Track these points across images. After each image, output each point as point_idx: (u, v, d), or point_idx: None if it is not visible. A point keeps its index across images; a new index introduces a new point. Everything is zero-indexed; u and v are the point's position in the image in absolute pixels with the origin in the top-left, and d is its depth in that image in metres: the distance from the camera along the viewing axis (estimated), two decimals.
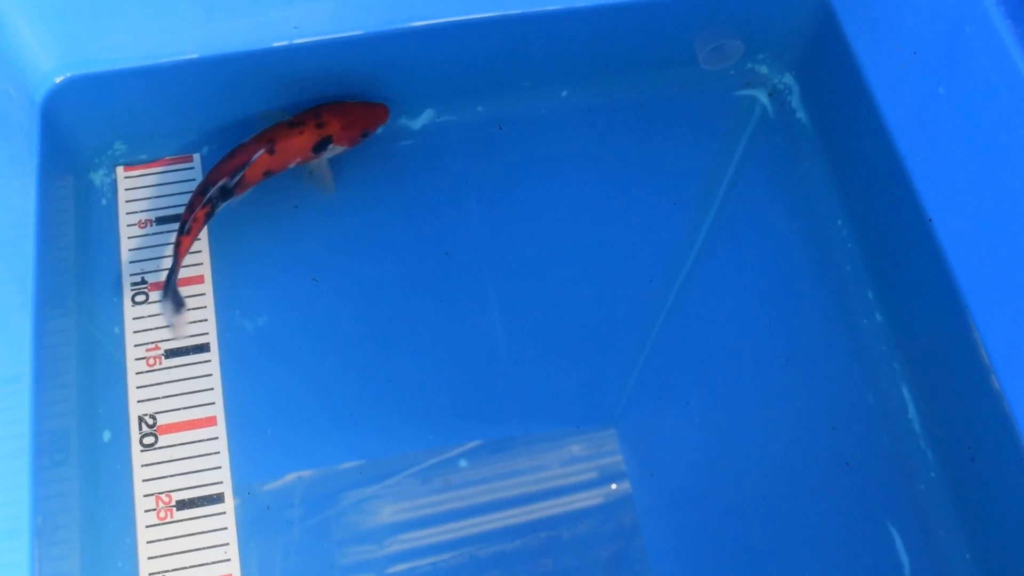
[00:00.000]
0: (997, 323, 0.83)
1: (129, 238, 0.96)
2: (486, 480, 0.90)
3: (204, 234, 0.97)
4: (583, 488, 0.90)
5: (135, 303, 0.94)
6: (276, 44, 0.93)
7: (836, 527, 0.89)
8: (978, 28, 0.81)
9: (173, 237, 0.92)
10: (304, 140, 0.94)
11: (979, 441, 0.86)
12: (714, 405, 0.94)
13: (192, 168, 1.00)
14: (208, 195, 0.91)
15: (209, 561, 0.86)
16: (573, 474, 0.91)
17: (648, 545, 0.88)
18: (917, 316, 0.93)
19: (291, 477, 0.89)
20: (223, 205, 0.93)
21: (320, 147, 0.95)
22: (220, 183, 0.91)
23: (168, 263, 0.94)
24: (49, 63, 0.90)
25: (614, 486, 0.90)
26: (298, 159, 0.95)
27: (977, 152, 0.83)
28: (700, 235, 1.00)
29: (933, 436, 0.92)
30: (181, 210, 0.97)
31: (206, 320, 0.94)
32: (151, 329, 0.93)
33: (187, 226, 0.90)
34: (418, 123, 1.03)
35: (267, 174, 0.94)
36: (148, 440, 0.89)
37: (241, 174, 0.92)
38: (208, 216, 0.92)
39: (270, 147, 0.93)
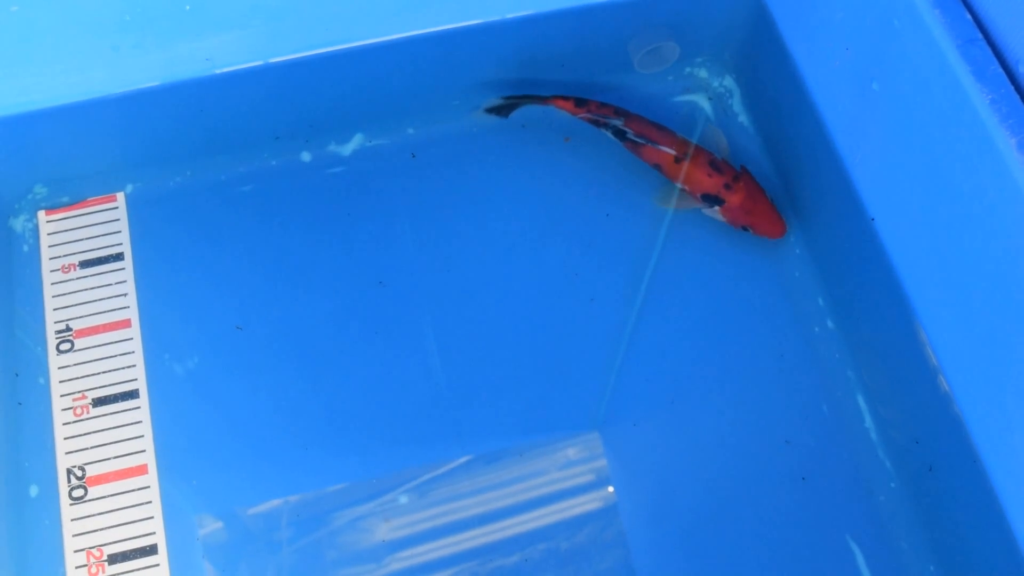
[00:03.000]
0: (942, 321, 0.80)
1: (53, 284, 0.94)
2: (433, 506, 0.87)
3: (130, 277, 0.94)
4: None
5: (60, 351, 0.91)
6: (189, 76, 0.90)
7: (795, 544, 0.86)
8: (907, 20, 0.78)
9: (99, 280, 0.92)
10: (706, 183, 0.94)
11: (935, 448, 0.83)
12: (672, 419, 0.91)
13: (116, 207, 0.97)
14: (611, 120, 0.95)
15: None
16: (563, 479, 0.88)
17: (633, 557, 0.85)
18: (867, 320, 0.90)
19: (226, 523, 0.86)
20: (607, 128, 0.96)
21: (709, 200, 0.94)
22: (625, 128, 0.95)
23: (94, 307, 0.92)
24: None
25: (610, 488, 0.87)
26: (685, 186, 0.95)
27: (914, 148, 0.79)
28: (641, 247, 0.97)
29: (891, 445, 0.88)
30: (106, 251, 0.95)
31: (134, 365, 0.91)
32: (78, 378, 0.90)
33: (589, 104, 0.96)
34: (348, 149, 1.01)
35: (654, 165, 0.95)
36: (77, 493, 0.87)
37: (643, 143, 0.95)
38: (596, 118, 0.96)
39: (680, 157, 0.94)
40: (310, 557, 0.85)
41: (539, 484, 0.88)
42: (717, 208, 0.94)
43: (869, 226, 0.86)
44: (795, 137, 0.95)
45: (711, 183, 0.94)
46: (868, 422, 0.89)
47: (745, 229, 0.95)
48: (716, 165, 0.94)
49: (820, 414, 0.90)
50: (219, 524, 0.86)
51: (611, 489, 0.88)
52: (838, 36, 0.86)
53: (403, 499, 0.87)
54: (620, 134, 0.96)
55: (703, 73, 1.03)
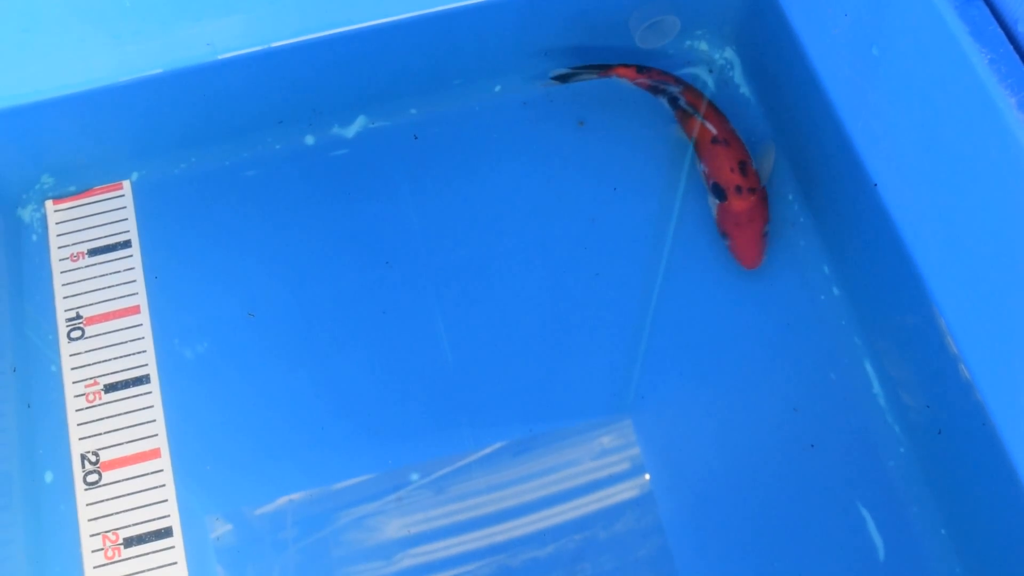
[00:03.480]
0: (951, 287, 0.80)
1: (62, 272, 0.94)
2: (444, 500, 0.87)
3: (138, 263, 0.95)
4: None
5: (71, 339, 0.92)
6: (191, 63, 0.90)
7: (804, 512, 0.86)
8: None
9: (107, 268, 0.93)
10: (725, 175, 0.94)
11: (944, 412, 0.83)
12: (682, 393, 0.91)
13: (123, 196, 0.98)
14: (670, 87, 0.97)
15: None
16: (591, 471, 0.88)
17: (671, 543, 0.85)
18: (873, 287, 0.90)
19: (240, 504, 0.87)
20: (664, 95, 0.98)
21: (717, 191, 0.94)
22: (680, 96, 0.97)
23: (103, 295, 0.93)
24: None
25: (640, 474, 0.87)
26: (706, 168, 0.95)
27: (914, 111, 0.79)
28: (648, 223, 0.97)
29: (899, 410, 0.88)
30: (114, 239, 0.95)
31: (144, 351, 0.92)
32: (89, 365, 0.91)
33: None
34: (351, 131, 1.01)
35: (692, 139, 0.96)
36: (92, 478, 0.87)
37: (691, 114, 0.96)
38: (656, 84, 0.98)
39: (718, 140, 0.94)
40: (323, 544, 0.85)
41: (562, 474, 0.88)
42: (717, 202, 0.94)
43: (872, 191, 0.86)
44: (797, 106, 0.94)
45: (729, 177, 0.93)
46: (876, 388, 0.89)
47: (724, 237, 0.94)
48: (745, 167, 0.93)
49: (828, 381, 0.90)
50: (232, 504, 0.87)
51: (647, 476, 0.88)
52: (836, 2, 0.85)
53: (413, 492, 0.87)
54: (674, 102, 0.97)
55: (703, 46, 1.03)
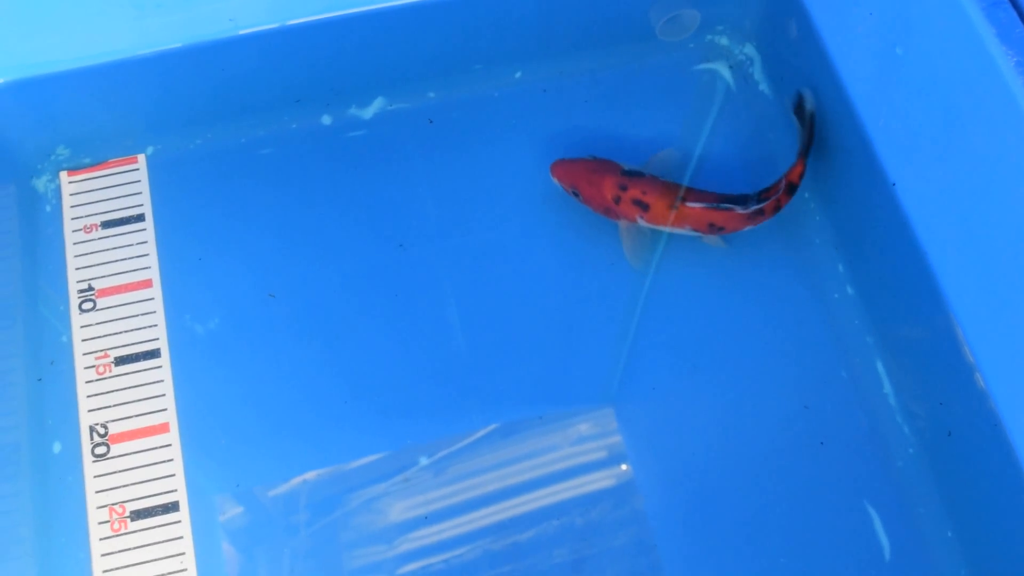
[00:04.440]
0: (966, 289, 0.80)
1: (75, 244, 0.94)
2: (458, 478, 0.87)
3: (151, 237, 0.95)
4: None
5: (82, 311, 0.92)
6: (211, 38, 0.90)
7: (812, 509, 0.86)
8: None
9: (120, 240, 0.93)
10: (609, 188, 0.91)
11: (955, 414, 0.83)
12: (690, 387, 0.91)
13: (137, 169, 0.97)
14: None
15: (165, 572, 0.83)
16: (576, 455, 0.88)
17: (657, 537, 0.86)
18: (888, 287, 0.89)
19: (246, 479, 0.87)
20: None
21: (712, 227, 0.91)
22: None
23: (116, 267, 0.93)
24: None
25: (624, 467, 0.88)
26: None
27: (937, 112, 0.79)
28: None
29: (909, 411, 0.88)
30: (128, 212, 0.95)
31: (156, 325, 0.91)
32: (100, 337, 0.91)
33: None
34: (368, 112, 1.01)
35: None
36: (100, 450, 0.87)
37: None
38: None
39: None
40: (329, 528, 0.85)
41: (555, 459, 0.88)
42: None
43: (890, 191, 0.86)
44: (816, 103, 0.94)
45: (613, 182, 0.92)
46: (887, 388, 0.89)
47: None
48: (630, 173, 0.92)
49: (839, 379, 0.90)
50: (239, 481, 0.87)
51: (624, 466, 0.88)
52: (861, 1, 0.85)
53: (420, 473, 0.87)
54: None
55: (724, 41, 1.03)
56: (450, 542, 0.85)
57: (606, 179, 0.91)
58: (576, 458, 0.88)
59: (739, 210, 0.90)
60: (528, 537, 0.85)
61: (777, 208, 0.91)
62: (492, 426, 0.89)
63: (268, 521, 0.85)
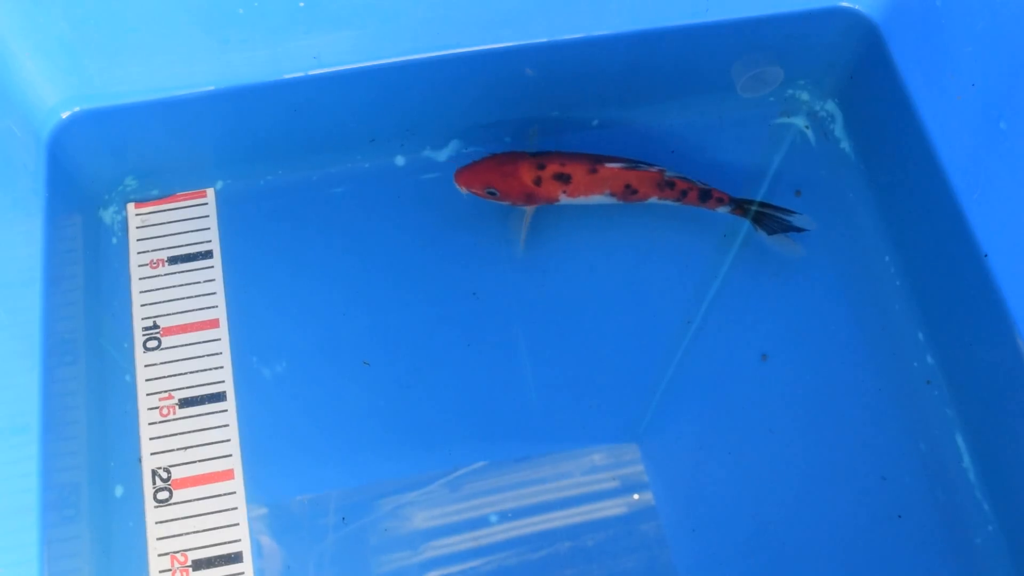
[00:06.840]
0: None
1: (140, 279, 0.92)
2: (500, 490, 0.86)
3: (219, 275, 0.92)
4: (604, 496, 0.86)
5: (147, 349, 0.89)
6: (294, 75, 0.88)
7: None
8: None
9: (187, 277, 0.91)
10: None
11: None
12: (767, 449, 0.89)
13: (206, 204, 0.95)
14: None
15: None
16: (595, 482, 0.87)
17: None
18: (971, 359, 0.88)
19: (312, 533, 0.84)
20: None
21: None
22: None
23: (182, 305, 0.90)
24: (55, 98, 0.86)
25: (636, 496, 0.86)
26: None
27: None
28: (731, 268, 0.95)
29: (990, 486, 0.87)
30: (195, 248, 0.93)
31: (222, 367, 0.89)
32: (164, 377, 0.88)
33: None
34: (443, 155, 0.99)
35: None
36: (163, 495, 0.85)
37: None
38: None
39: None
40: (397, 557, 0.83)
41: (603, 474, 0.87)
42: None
43: (982, 263, 0.84)
44: (902, 168, 0.93)
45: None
46: (966, 462, 0.88)
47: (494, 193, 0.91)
48: (538, 154, 0.91)
49: (917, 451, 0.89)
50: (304, 534, 0.84)
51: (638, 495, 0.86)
52: (964, 72, 0.84)
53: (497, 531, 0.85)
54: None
55: (804, 96, 1.02)
56: (465, 553, 0.84)
57: (521, 165, 0.90)
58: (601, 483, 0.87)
59: (653, 170, 0.90)
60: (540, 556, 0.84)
61: (682, 195, 0.91)
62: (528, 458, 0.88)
63: (342, 566, 0.83)
